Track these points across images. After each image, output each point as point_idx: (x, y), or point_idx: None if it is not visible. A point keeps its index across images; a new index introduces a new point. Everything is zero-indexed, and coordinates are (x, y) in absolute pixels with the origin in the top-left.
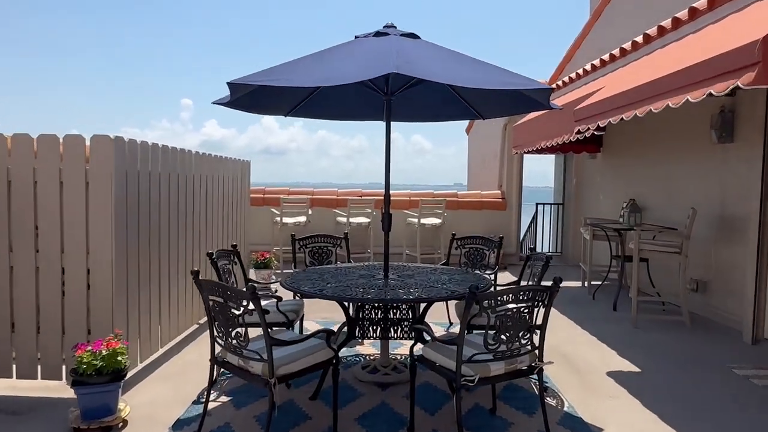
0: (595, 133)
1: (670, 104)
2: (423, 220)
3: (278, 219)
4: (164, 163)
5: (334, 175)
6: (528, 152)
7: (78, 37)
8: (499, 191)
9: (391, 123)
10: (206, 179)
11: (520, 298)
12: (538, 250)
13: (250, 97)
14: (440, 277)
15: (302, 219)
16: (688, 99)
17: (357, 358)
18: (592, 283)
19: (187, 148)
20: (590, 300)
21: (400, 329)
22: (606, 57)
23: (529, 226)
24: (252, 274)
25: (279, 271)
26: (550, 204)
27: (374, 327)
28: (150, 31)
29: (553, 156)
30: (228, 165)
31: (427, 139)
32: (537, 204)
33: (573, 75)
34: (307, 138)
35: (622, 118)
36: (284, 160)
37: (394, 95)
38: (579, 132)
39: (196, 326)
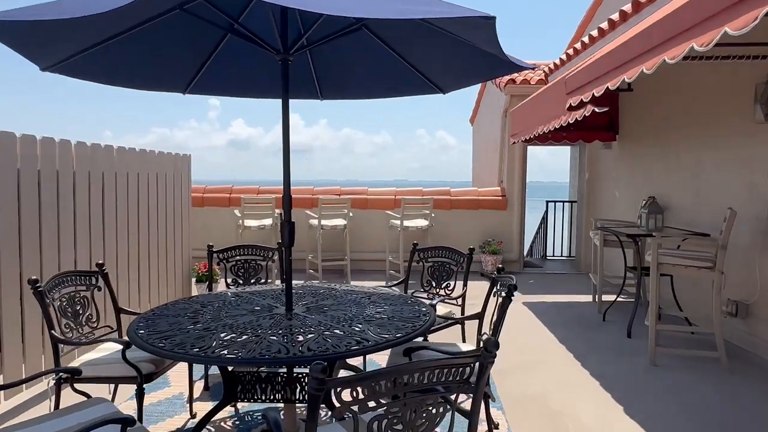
0: (596, 110)
1: (666, 59)
2: (407, 222)
3: (241, 222)
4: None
5: (357, 172)
6: (527, 141)
7: None
8: (498, 188)
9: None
10: (123, 177)
11: (423, 380)
12: (549, 254)
13: (108, 63)
14: (366, 311)
15: (267, 222)
16: (693, 47)
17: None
18: (604, 299)
19: (213, 147)
20: (599, 321)
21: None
22: (615, 16)
23: (539, 228)
24: (194, 289)
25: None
26: (562, 202)
27: (265, 385)
28: None
29: (569, 148)
30: (156, 160)
31: (451, 135)
32: (547, 202)
33: (579, 45)
34: (331, 136)
35: (608, 87)
36: (309, 157)
37: (293, 53)
38: (572, 108)
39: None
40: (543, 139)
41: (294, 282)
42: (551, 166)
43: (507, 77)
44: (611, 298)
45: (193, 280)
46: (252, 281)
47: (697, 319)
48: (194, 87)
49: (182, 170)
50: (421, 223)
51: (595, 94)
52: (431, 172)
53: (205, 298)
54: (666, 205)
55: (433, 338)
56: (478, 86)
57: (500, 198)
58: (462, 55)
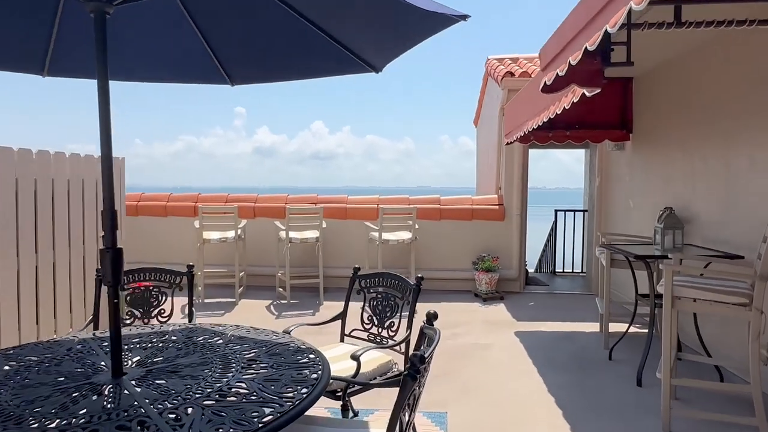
0: (586, 93)
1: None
2: (386, 235)
3: (203, 234)
4: None
5: (382, 179)
6: (524, 141)
7: None
8: (495, 196)
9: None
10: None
11: None
12: (559, 269)
13: None
14: (228, 376)
15: (230, 234)
16: None
17: None
18: (613, 328)
19: (239, 154)
20: (605, 360)
21: None
22: None
23: (548, 240)
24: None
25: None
26: (573, 211)
27: None
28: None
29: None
30: (55, 165)
31: (474, 141)
32: (556, 211)
33: None
34: (355, 142)
35: (586, 48)
36: (333, 164)
37: (115, 3)
38: (548, 89)
39: None
40: (542, 140)
41: (199, 321)
42: (567, 170)
43: (504, 70)
44: (622, 327)
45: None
46: (153, 313)
47: (728, 363)
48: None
49: (95, 176)
50: (404, 235)
51: (571, 63)
52: (455, 178)
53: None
54: (688, 218)
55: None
56: (480, 82)
57: (497, 207)
58: (382, 16)
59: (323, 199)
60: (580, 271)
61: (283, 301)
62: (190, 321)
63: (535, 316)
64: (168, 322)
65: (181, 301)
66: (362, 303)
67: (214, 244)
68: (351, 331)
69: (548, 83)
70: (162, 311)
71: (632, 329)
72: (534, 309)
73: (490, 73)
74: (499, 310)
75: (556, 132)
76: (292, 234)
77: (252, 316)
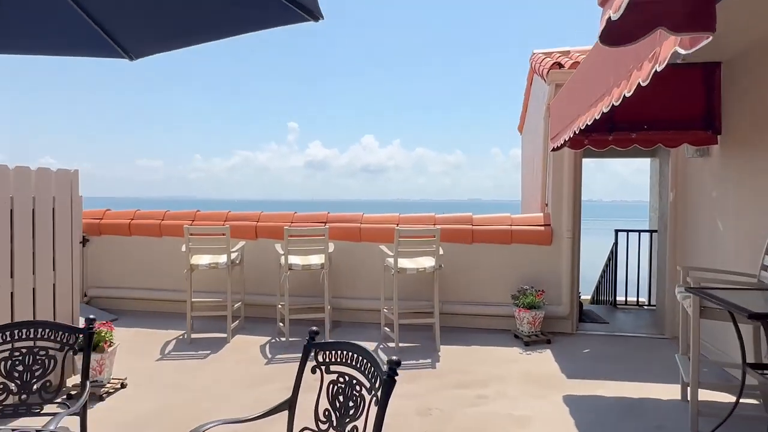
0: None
1: None
2: (404, 262)
3: (191, 259)
4: None
5: (431, 191)
6: (569, 145)
7: (196, 71)
8: (540, 215)
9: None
10: None
11: None
12: (620, 300)
13: None
14: None
15: (221, 259)
16: None
17: None
18: (707, 396)
19: (292, 167)
20: None
21: None
22: None
23: (607, 265)
24: (78, 358)
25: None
26: (637, 231)
27: None
28: (259, 60)
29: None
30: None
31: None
32: (617, 231)
33: None
34: (405, 155)
35: None
36: (383, 177)
37: None
38: (614, 35)
39: None
40: (600, 144)
41: None
42: (640, 182)
43: (551, 62)
44: (716, 396)
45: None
46: (34, 386)
47: None
48: None
49: (54, 192)
50: (425, 262)
51: None
52: (506, 191)
53: None
54: None
55: None
56: (525, 84)
57: (542, 228)
58: None
59: (334, 218)
60: (647, 302)
61: (282, 339)
62: (80, 396)
63: (591, 370)
64: (55, 400)
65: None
66: (318, 388)
67: (202, 271)
68: (302, 430)
69: (614, 17)
70: (47, 383)
71: (743, 406)
72: (590, 359)
73: (535, 68)
74: (545, 360)
75: (617, 135)
76: (292, 260)
77: (242, 358)
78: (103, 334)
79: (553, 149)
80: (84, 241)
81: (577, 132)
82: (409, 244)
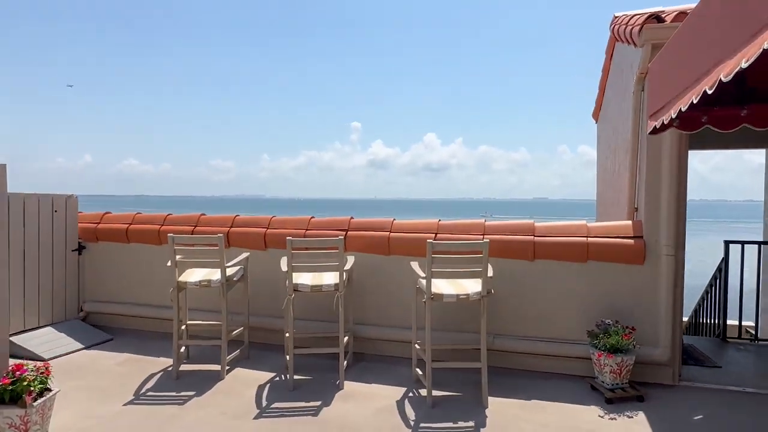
0: None
1: None
2: (439, 286)
3: (178, 275)
4: None
5: (494, 190)
6: (678, 125)
7: (267, 72)
8: (628, 223)
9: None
10: None
11: None
12: (731, 333)
13: None
14: None
15: (215, 276)
16: None
17: None
18: None
19: (355, 167)
20: None
21: None
22: None
23: (711, 285)
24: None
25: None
26: (758, 244)
27: None
28: (327, 59)
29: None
30: None
31: (595, 150)
32: (727, 243)
33: None
34: (468, 153)
35: None
36: (445, 176)
37: None
38: None
39: None
40: (728, 123)
41: None
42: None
43: (642, 18)
44: None
45: None
46: None
47: None
48: None
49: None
50: (469, 287)
51: None
52: (574, 189)
53: None
54: None
55: None
56: (603, 58)
57: (631, 242)
58: None
59: (359, 224)
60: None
61: (287, 377)
62: None
63: None
64: None
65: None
66: None
67: (191, 290)
68: None
69: None
70: None
71: None
72: (701, 427)
73: (618, 33)
74: (637, 430)
75: (755, 108)
76: (298, 279)
77: (231, 405)
78: (26, 383)
79: (654, 131)
80: (80, 249)
81: (694, 102)
82: (449, 262)
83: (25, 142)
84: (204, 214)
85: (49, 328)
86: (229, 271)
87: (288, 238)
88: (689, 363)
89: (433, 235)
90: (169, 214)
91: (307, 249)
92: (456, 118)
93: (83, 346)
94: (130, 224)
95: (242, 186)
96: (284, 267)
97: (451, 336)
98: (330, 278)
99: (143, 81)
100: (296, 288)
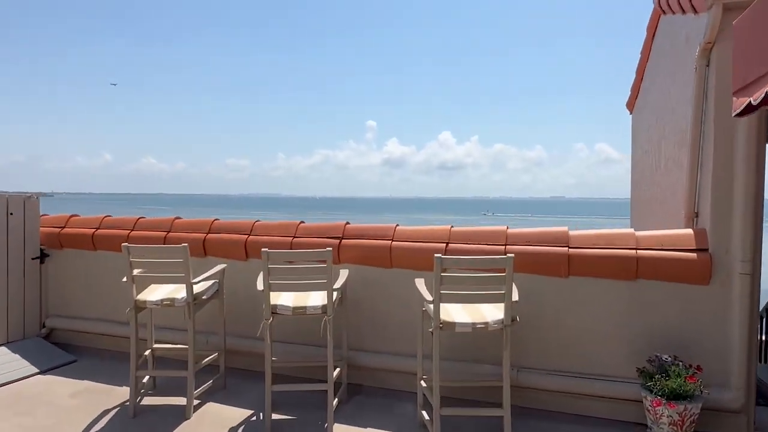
0: None
1: None
2: (450, 312)
3: (137, 292)
4: None
5: (510, 188)
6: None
7: (278, 73)
8: (688, 232)
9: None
10: None
11: None
12: None
13: None
14: None
15: (179, 294)
16: None
17: None
18: None
19: (370, 165)
20: None
21: None
22: None
23: None
24: None
25: None
26: None
27: None
28: (340, 60)
29: None
30: None
31: (613, 147)
32: None
33: None
34: (483, 152)
35: None
36: (461, 174)
37: None
38: None
39: None
40: None
41: None
42: None
43: None
44: None
45: None
46: None
47: None
48: None
49: None
50: (488, 313)
51: None
52: (590, 188)
53: None
54: None
55: None
56: (641, 42)
57: (692, 255)
58: None
59: (355, 231)
60: None
61: (264, 415)
62: None
63: None
64: None
65: None
66: None
67: (153, 311)
68: None
69: None
70: None
71: None
72: None
73: (665, 4)
74: None
75: None
76: (277, 299)
77: None
78: None
79: (743, 112)
80: (42, 256)
81: None
82: (463, 282)
83: (43, 141)
84: (179, 218)
85: (2, 349)
86: (198, 288)
87: (263, 249)
88: (760, 403)
89: (444, 245)
90: (141, 218)
91: (289, 262)
92: (471, 116)
93: (39, 371)
94: (97, 229)
95: (257, 184)
96: (260, 285)
97: (465, 367)
98: (317, 298)
99: (162, 79)
100: (275, 310)
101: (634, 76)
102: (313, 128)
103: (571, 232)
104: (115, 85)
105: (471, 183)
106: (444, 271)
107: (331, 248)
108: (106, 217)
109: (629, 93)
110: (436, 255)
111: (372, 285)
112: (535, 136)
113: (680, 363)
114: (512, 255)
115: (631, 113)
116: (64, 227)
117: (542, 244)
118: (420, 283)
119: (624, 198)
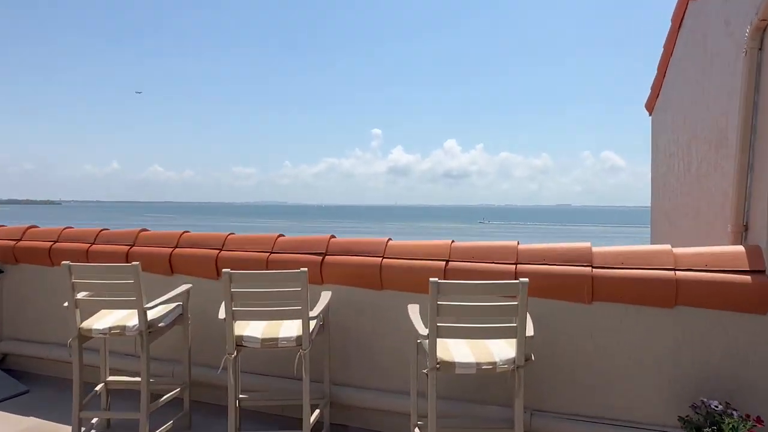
0: None
1: None
2: (450, 349)
3: (77, 316)
4: None
5: (516, 197)
6: None
7: (289, 80)
8: (739, 249)
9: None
10: None
11: None
12: None
13: None
14: None
15: (131, 322)
16: None
17: None
18: None
19: (375, 173)
20: None
21: None
22: None
23: None
24: None
25: None
26: None
27: None
28: (343, 70)
29: None
30: None
31: (619, 155)
32: None
33: None
34: (488, 160)
35: None
36: (466, 182)
37: None
38: None
39: None
40: None
41: None
42: None
43: None
44: None
45: None
46: None
47: None
48: None
49: None
50: (496, 351)
51: None
52: (596, 196)
53: None
54: None
55: None
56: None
57: (745, 278)
58: None
59: (340, 246)
60: None
61: None
62: None
63: None
64: None
65: None
66: None
67: (98, 341)
68: None
69: None
70: None
71: None
72: None
73: None
74: None
75: None
76: (243, 329)
77: None
78: None
79: None
80: None
81: None
82: (465, 312)
83: (54, 150)
84: (145, 230)
85: None
86: (154, 314)
87: (225, 271)
88: None
89: (443, 263)
90: (104, 229)
91: (257, 282)
92: (476, 124)
93: None
94: (55, 242)
95: (264, 192)
96: (222, 313)
97: (467, 408)
98: (291, 328)
99: (168, 86)
100: (240, 342)
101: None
102: (319, 136)
103: (595, 249)
104: (140, 93)
105: (477, 191)
106: (442, 298)
107: (306, 269)
108: (66, 228)
109: (650, 91)
110: (431, 280)
111: (360, 309)
112: (541, 144)
113: (734, 412)
114: (526, 280)
115: (650, 114)
116: (20, 240)
117: (560, 262)
118: (414, 311)
119: (631, 206)
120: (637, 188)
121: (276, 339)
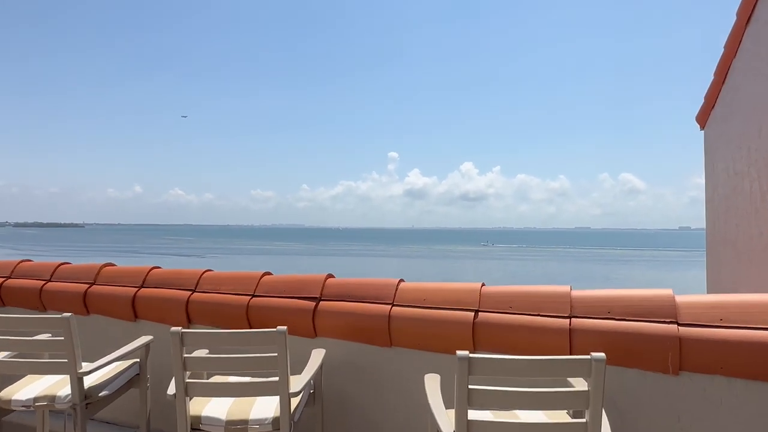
0: None
1: None
2: None
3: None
4: None
5: (533, 219)
6: None
7: (309, 106)
8: None
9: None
10: None
11: None
12: None
13: None
14: None
15: (63, 390)
16: None
17: None
18: None
19: (392, 196)
20: None
21: None
22: None
23: None
24: None
25: None
26: None
27: None
28: (361, 97)
29: None
30: None
31: (639, 177)
32: None
33: None
34: (505, 183)
35: None
36: (483, 205)
37: None
38: None
39: None
40: None
41: None
42: None
43: None
44: None
45: None
46: None
47: None
48: None
49: None
50: None
51: None
52: (615, 219)
53: None
54: None
55: None
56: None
57: None
58: None
59: (339, 288)
60: None
61: None
62: None
63: None
64: None
65: None
66: None
67: (29, 410)
68: None
69: None
70: None
71: None
72: None
73: None
74: None
75: None
76: (203, 408)
77: None
78: None
79: None
80: None
81: None
82: (507, 400)
83: (79, 174)
84: (110, 264)
85: None
86: (96, 378)
87: (172, 330)
88: None
89: (471, 315)
90: (64, 263)
91: (220, 345)
92: (493, 146)
93: None
94: (7, 278)
95: (281, 215)
96: (171, 388)
97: None
98: (266, 407)
99: (201, 111)
100: (197, 426)
101: (713, 75)
102: (336, 160)
103: (679, 298)
104: (185, 117)
105: (493, 213)
106: (475, 381)
107: (285, 328)
108: (22, 262)
109: (704, 101)
110: (459, 354)
111: (362, 372)
112: (559, 166)
113: None
114: (602, 355)
115: (702, 128)
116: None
117: (632, 316)
118: (433, 386)
119: (653, 229)
120: (659, 210)
121: (246, 421)
